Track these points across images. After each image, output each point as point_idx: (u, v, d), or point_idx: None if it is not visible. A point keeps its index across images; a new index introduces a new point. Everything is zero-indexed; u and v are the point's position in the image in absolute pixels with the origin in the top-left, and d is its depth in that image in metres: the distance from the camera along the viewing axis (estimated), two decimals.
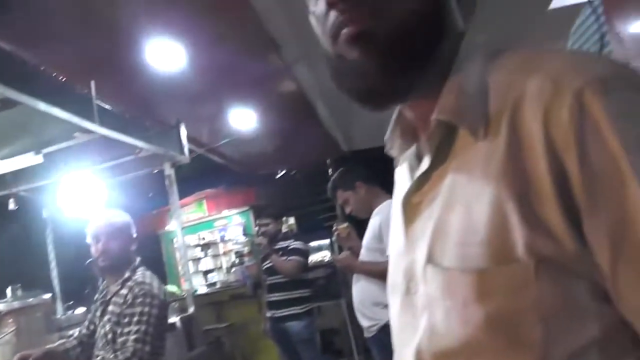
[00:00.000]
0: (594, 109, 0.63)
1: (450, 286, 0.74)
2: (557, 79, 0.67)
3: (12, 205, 4.54)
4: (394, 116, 0.92)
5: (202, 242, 11.70)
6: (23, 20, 2.67)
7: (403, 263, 0.85)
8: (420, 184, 0.83)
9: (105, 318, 2.90)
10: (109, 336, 2.83)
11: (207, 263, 11.75)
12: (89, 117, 3.14)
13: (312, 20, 0.85)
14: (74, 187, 4.46)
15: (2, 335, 3.12)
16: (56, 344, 3.12)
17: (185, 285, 4.55)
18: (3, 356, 3.11)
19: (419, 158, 0.88)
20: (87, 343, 3.10)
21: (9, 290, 3.41)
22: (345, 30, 0.76)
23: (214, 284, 10.95)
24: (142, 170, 4.72)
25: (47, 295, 3.61)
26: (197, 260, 11.82)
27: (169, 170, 4.52)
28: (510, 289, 0.68)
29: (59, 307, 4.79)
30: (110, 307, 2.90)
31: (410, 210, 0.84)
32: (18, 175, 4.06)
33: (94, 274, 7.16)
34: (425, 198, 0.82)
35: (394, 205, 0.96)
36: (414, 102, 0.85)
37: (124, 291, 2.90)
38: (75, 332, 3.33)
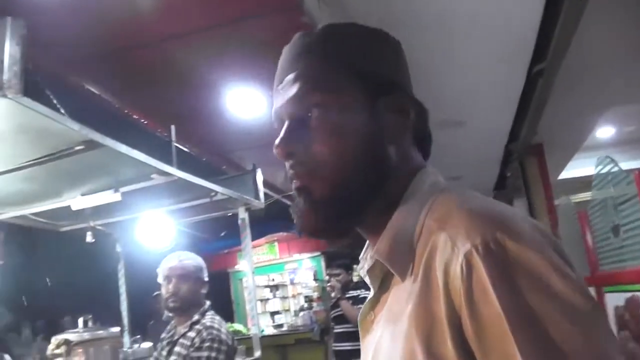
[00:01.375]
0: (480, 271, 0.73)
1: None
2: (455, 239, 0.78)
3: (89, 238, 4.75)
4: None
5: (271, 283, 11.84)
6: (110, 68, 2.87)
7: None
8: (373, 304, 0.97)
9: (172, 358, 2.95)
10: None
11: (275, 304, 11.86)
12: (167, 160, 3.29)
13: None
14: (147, 225, 4.67)
15: None
16: None
17: (252, 328, 4.60)
18: None
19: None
20: None
21: (80, 321, 3.52)
22: (293, 183, 0.94)
23: (280, 325, 11.03)
24: (217, 212, 4.85)
25: (116, 329, 3.73)
26: (265, 300, 11.95)
27: (242, 214, 4.62)
28: None
29: (126, 339, 4.94)
30: (177, 348, 2.95)
31: (366, 325, 0.99)
32: (96, 210, 4.26)
33: (160, 307, 7.38)
34: (376, 317, 0.96)
35: None
36: (367, 233, 0.99)
37: (191, 334, 2.93)
38: None
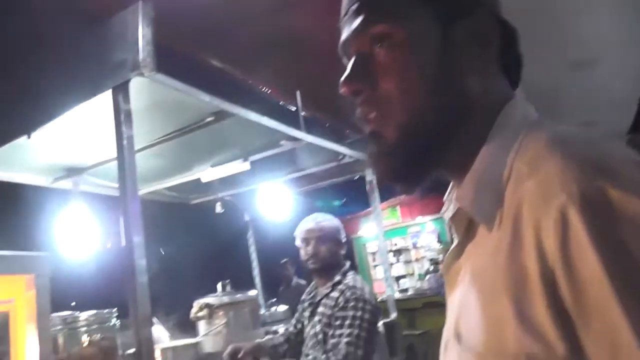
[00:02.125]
0: (577, 227, 0.64)
1: None
2: (547, 189, 0.69)
3: (218, 209, 4.97)
4: (451, 183, 0.97)
5: (394, 248, 11.86)
6: (233, 40, 2.96)
7: (447, 324, 0.91)
8: (457, 253, 0.90)
9: (316, 319, 3.05)
10: (320, 337, 2.97)
11: (398, 269, 11.88)
12: (295, 125, 3.36)
13: None
14: (273, 193, 4.81)
15: (215, 327, 3.46)
16: (264, 338, 3.38)
17: (387, 290, 4.65)
18: (215, 345, 3.44)
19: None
20: (294, 341, 3.33)
21: (219, 286, 3.70)
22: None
23: (405, 290, 11.06)
24: (343, 176, 4.91)
25: (254, 292, 3.89)
26: (388, 266, 11.98)
27: (370, 176, 4.67)
28: None
29: (261, 303, 5.12)
30: (320, 309, 3.04)
31: (451, 279, 0.91)
32: (224, 182, 4.43)
33: (289, 273, 7.59)
34: (460, 269, 0.88)
35: None
36: (450, 174, 0.92)
37: (334, 294, 3.01)
38: (280, 328, 3.59)
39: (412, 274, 11.78)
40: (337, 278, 3.06)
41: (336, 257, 3.12)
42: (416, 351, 7.49)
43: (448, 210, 0.97)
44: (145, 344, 2.07)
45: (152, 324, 2.18)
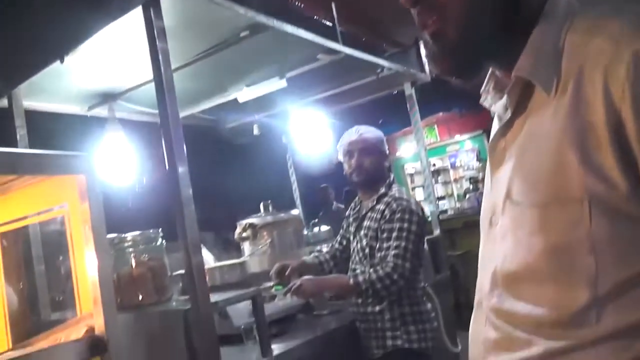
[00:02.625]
0: None
1: (520, 218, 0.92)
2: (618, 40, 0.79)
3: (256, 131, 4.96)
4: (489, 73, 1.08)
5: (432, 169, 11.82)
6: None
7: (489, 201, 1.04)
8: (504, 131, 1.00)
9: (362, 233, 3.02)
10: (366, 250, 2.96)
11: (437, 190, 11.87)
12: (332, 38, 3.27)
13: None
14: (310, 114, 4.76)
15: (260, 246, 3.51)
16: (310, 256, 3.39)
17: (430, 206, 4.64)
18: (260, 264, 3.50)
19: (506, 109, 1.00)
20: (340, 257, 3.34)
21: (261, 206, 3.72)
22: (425, 29, 0.99)
23: (444, 211, 11.05)
24: (382, 92, 4.84)
25: (296, 211, 3.91)
26: (431, 180, 11.92)
27: (409, 90, 4.57)
28: (567, 223, 0.84)
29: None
30: (366, 222, 3.01)
31: (496, 156, 1.02)
32: (260, 102, 4.39)
33: (329, 198, 7.59)
34: (507, 144, 0.98)
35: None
36: (501, 61, 1.02)
37: (380, 206, 2.97)
38: (323, 247, 3.61)
39: (451, 195, 11.78)
40: (382, 190, 3.02)
41: (380, 169, 3.07)
42: (457, 271, 7.49)
43: (487, 100, 1.09)
44: (197, 268, 2.11)
45: (201, 249, 2.21)
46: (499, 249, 0.99)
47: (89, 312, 1.71)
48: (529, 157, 0.91)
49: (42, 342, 1.75)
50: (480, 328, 1.05)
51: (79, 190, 1.62)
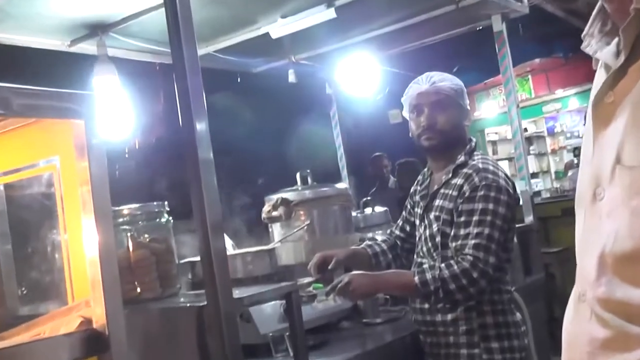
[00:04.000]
0: None
1: (636, 186, 0.96)
2: None
3: (291, 78, 4.94)
4: (594, 10, 1.11)
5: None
6: None
7: (590, 170, 1.10)
8: (614, 81, 1.02)
9: (431, 216, 2.94)
10: (437, 239, 2.89)
11: (529, 164, 11.73)
12: None
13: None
14: (365, 57, 4.72)
15: (294, 230, 3.42)
16: (362, 245, 3.28)
17: (520, 186, 4.52)
18: (295, 253, 3.45)
19: (617, 56, 1.03)
20: (401, 247, 3.26)
21: (298, 177, 3.62)
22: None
23: (537, 193, 10.90)
24: (461, 27, 4.76)
25: (343, 185, 3.80)
26: (513, 159, 11.83)
27: (499, 26, 4.43)
28: None
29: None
30: (438, 202, 2.93)
31: (602, 112, 1.05)
32: (299, 40, 4.35)
33: (385, 171, 7.58)
34: (618, 97, 1.01)
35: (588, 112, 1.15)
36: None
37: (457, 181, 2.87)
38: (377, 235, 3.55)
39: (546, 172, 11.63)
40: (461, 159, 2.91)
41: (459, 129, 2.96)
42: (552, 274, 7.24)
43: (591, 45, 1.12)
44: (218, 255, 2.11)
45: (223, 233, 2.21)
46: (606, 226, 1.03)
47: (84, 300, 1.69)
48: None
49: (19, 337, 1.75)
50: (583, 325, 1.08)
51: (75, 141, 1.58)
